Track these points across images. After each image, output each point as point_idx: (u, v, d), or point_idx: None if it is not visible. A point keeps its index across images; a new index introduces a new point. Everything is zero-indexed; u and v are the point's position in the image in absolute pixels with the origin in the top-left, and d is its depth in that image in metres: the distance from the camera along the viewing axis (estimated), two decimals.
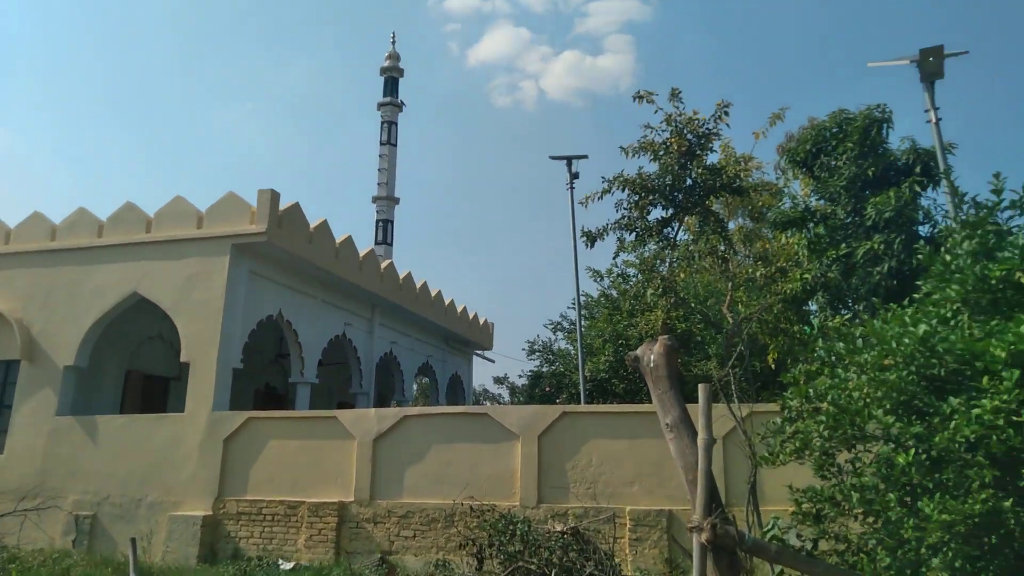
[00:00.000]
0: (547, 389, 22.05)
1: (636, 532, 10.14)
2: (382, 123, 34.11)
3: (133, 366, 15.96)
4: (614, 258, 11.94)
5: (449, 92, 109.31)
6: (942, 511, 3.36)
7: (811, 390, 4.23)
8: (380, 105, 34.49)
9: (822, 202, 11.97)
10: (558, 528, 7.79)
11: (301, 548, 11.39)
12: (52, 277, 14.22)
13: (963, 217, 4.55)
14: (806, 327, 15.15)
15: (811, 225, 12.22)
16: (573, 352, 22.63)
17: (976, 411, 3.40)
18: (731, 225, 17.57)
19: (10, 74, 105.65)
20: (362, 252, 17.79)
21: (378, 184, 32.82)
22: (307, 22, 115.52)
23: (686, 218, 11.86)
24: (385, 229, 32.58)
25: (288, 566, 10.71)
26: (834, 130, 12.09)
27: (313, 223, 15.17)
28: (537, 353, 24.92)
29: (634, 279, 17.27)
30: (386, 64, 34.69)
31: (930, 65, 8.65)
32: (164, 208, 14.10)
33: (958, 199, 4.86)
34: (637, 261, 15.18)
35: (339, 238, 16.40)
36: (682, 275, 14.47)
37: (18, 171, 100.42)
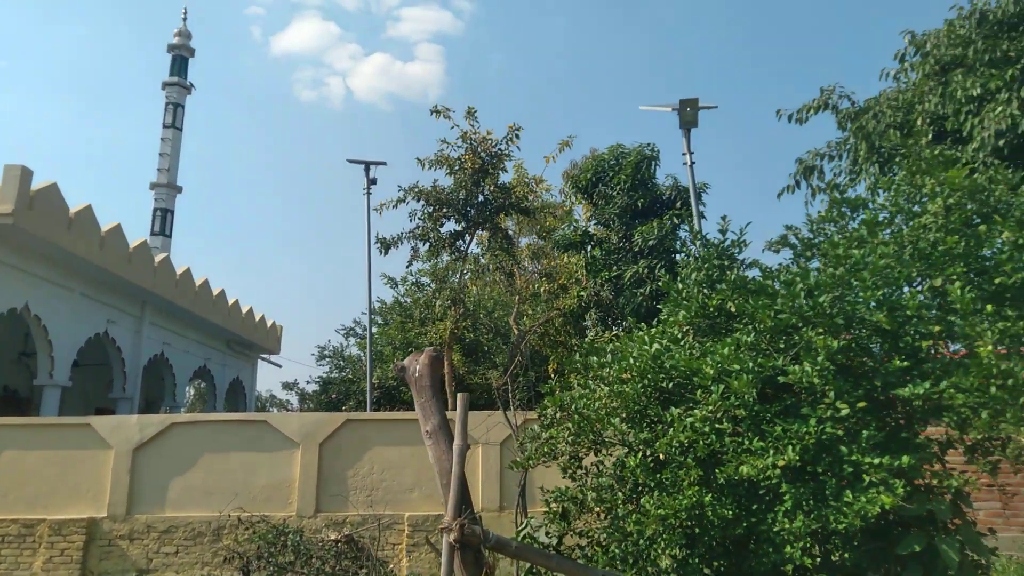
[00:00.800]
0: (333, 396, 21.61)
1: (413, 537, 10.32)
2: (167, 104, 31.20)
3: None
4: (407, 267, 12.12)
5: (248, 79, 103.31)
6: (659, 506, 3.89)
7: (563, 400, 4.69)
8: (165, 84, 31.52)
9: (600, 227, 13.07)
10: (332, 537, 7.72)
11: (38, 572, 10.13)
12: None
13: (695, 252, 5.30)
14: (582, 340, 16.46)
15: (589, 248, 13.28)
16: (364, 359, 22.42)
17: (689, 419, 3.99)
18: (523, 241, 18.58)
19: None
20: (133, 243, 16.27)
21: (158, 170, 29.90)
22: None
23: (478, 232, 12.34)
24: (164, 219, 29.82)
25: None
26: (611, 162, 13.29)
27: (74, 208, 13.62)
28: (327, 359, 24.35)
29: (427, 288, 17.58)
30: (175, 41, 31.80)
31: (687, 115, 9.88)
32: None
33: (693, 235, 5.62)
34: (430, 271, 15.48)
35: (106, 226, 14.88)
36: (473, 288, 15.01)
37: None
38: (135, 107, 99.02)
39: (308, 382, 27.30)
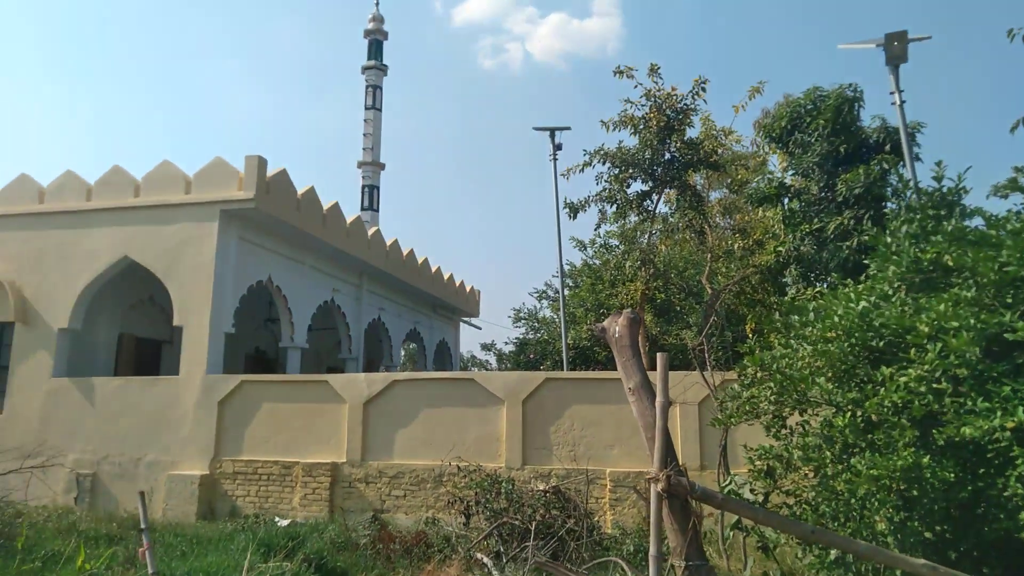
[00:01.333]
0: (531, 356, 22.58)
1: (616, 492, 10.72)
2: (367, 87, 33.88)
3: (125, 329, 16.26)
4: (595, 229, 12.38)
5: (433, 53, 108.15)
6: (871, 467, 3.84)
7: (764, 359, 4.70)
8: (364, 69, 34.18)
9: (797, 177, 12.38)
10: (540, 487, 8.30)
11: (296, 506, 11.91)
12: (42, 240, 14.40)
13: (907, 202, 4.98)
14: (782, 298, 15.73)
15: (786, 200, 12.65)
16: (557, 320, 23.11)
17: (903, 379, 3.86)
18: (713, 196, 18.01)
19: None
20: (349, 219, 18.06)
21: (363, 149, 32.72)
22: None
23: (666, 191, 12.23)
24: (371, 195, 32.65)
25: (284, 523, 11.20)
26: (808, 107, 12.44)
27: (300, 190, 15.40)
28: (523, 320, 25.39)
29: (616, 250, 17.67)
30: (370, 27, 34.30)
31: (895, 49, 8.98)
32: (152, 172, 14.26)
33: (904, 182, 5.28)
34: (618, 232, 15.57)
35: (326, 204, 16.65)
36: (663, 247, 14.90)
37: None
38: (338, 89, 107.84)
39: (505, 343, 28.69)
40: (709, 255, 15.73)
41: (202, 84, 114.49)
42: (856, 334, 4.20)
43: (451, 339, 27.48)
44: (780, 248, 12.74)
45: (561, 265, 13.76)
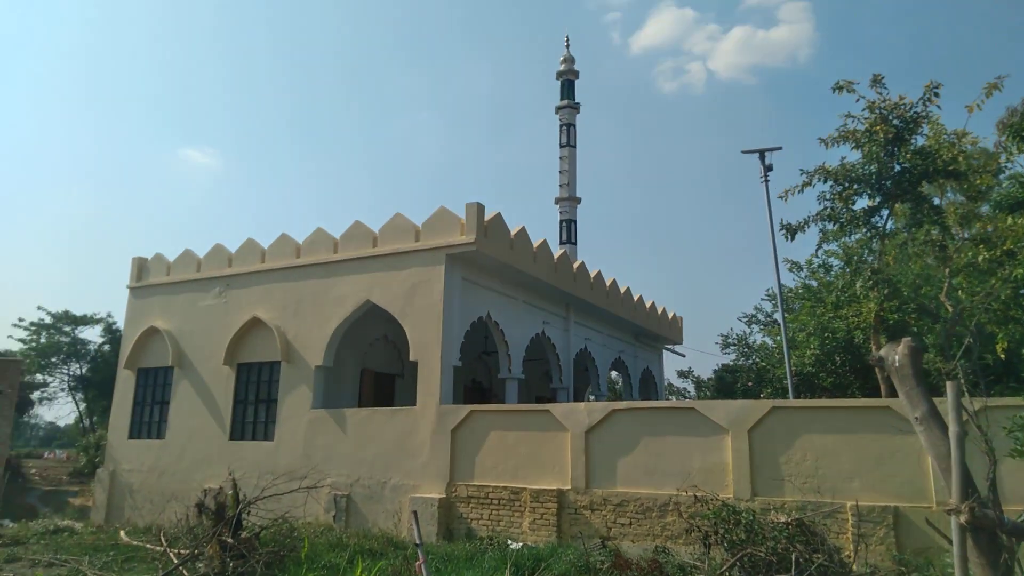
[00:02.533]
0: (748, 384, 21.79)
1: (860, 528, 10.06)
2: (561, 126, 35.16)
3: (366, 365, 18.14)
4: (817, 249, 11.80)
5: (614, 83, 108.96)
6: None
7: None
8: (558, 108, 35.58)
9: None
10: (782, 519, 8.07)
11: (526, 530, 12.50)
12: (300, 289, 16.59)
13: None
14: None
15: None
16: (772, 346, 22.14)
17: None
18: (937, 202, 16.38)
19: (213, 95, 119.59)
20: (556, 254, 18.79)
21: (560, 186, 33.91)
22: (466, 28, 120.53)
23: (896, 205, 11.45)
24: (569, 229, 33.63)
25: (517, 546, 11.80)
26: None
27: (513, 230, 16.35)
28: (731, 347, 24.61)
29: (836, 270, 16.66)
30: (562, 68, 35.73)
31: None
32: (386, 224, 15.92)
33: None
34: (840, 251, 14.72)
35: (536, 242, 17.50)
36: (890, 262, 13.85)
37: (223, 187, 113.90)
38: (526, 129, 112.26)
39: (714, 370, 27.85)
40: (947, 270, 14.35)
41: (405, 136, 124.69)
42: None
43: (655, 367, 27.30)
44: None
45: (780, 288, 13.24)
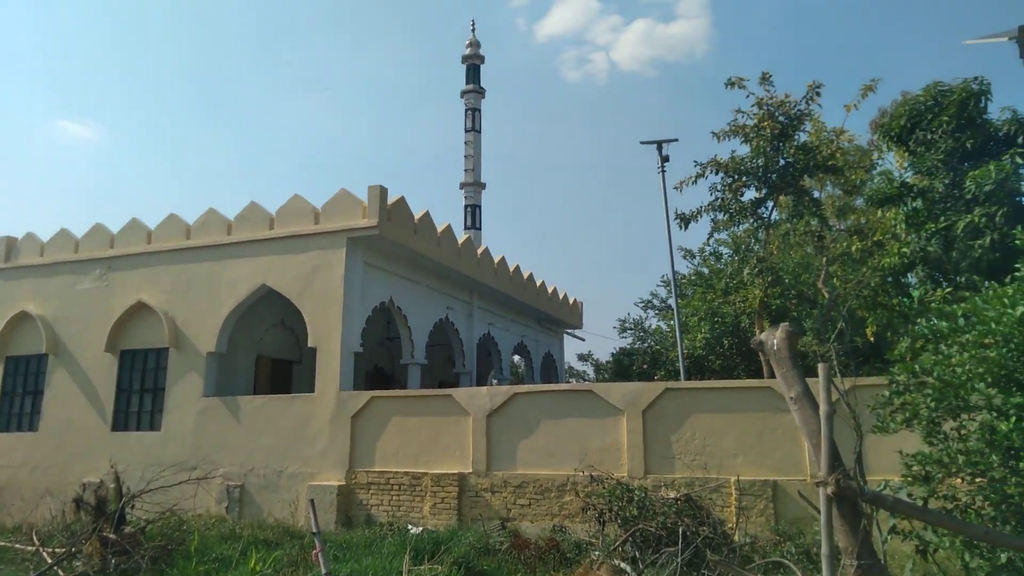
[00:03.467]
0: (644, 366, 22.60)
1: (742, 501, 10.67)
2: (466, 110, 35.04)
3: (261, 351, 17.53)
4: (708, 239, 12.39)
5: (519, 69, 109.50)
6: None
7: (917, 366, 4.77)
8: (463, 93, 35.41)
9: (920, 176, 12.01)
10: (672, 495, 8.47)
11: (426, 515, 12.51)
12: (190, 272, 15.80)
13: None
14: (905, 299, 15.16)
15: (908, 200, 12.29)
16: (667, 330, 23.03)
17: None
18: (817, 195, 17.49)
19: (96, 67, 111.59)
20: (460, 239, 18.77)
21: (465, 171, 33.84)
22: (373, 9, 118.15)
23: (779, 197, 12.14)
24: (474, 214, 33.66)
25: (417, 531, 11.80)
26: (930, 103, 12.08)
27: (417, 214, 16.19)
28: (629, 331, 25.42)
29: (727, 258, 17.48)
30: (467, 52, 35.51)
31: None
32: (284, 206, 15.40)
33: None
34: (729, 240, 15.47)
35: (440, 227, 17.40)
36: (774, 251, 14.70)
37: (105, 164, 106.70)
38: (427, 113, 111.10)
39: (612, 353, 28.70)
40: (824, 259, 15.39)
41: (298, 117, 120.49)
42: (1016, 339, 4.23)
43: (556, 351, 27.83)
44: (904, 249, 12.37)
45: (673, 275, 13.82)
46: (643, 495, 8.43)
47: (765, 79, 11.39)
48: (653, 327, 25.15)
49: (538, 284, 24.11)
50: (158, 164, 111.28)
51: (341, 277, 14.35)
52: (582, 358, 31.65)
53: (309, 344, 14.45)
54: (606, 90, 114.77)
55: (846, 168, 12.17)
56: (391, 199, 15.09)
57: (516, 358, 28.34)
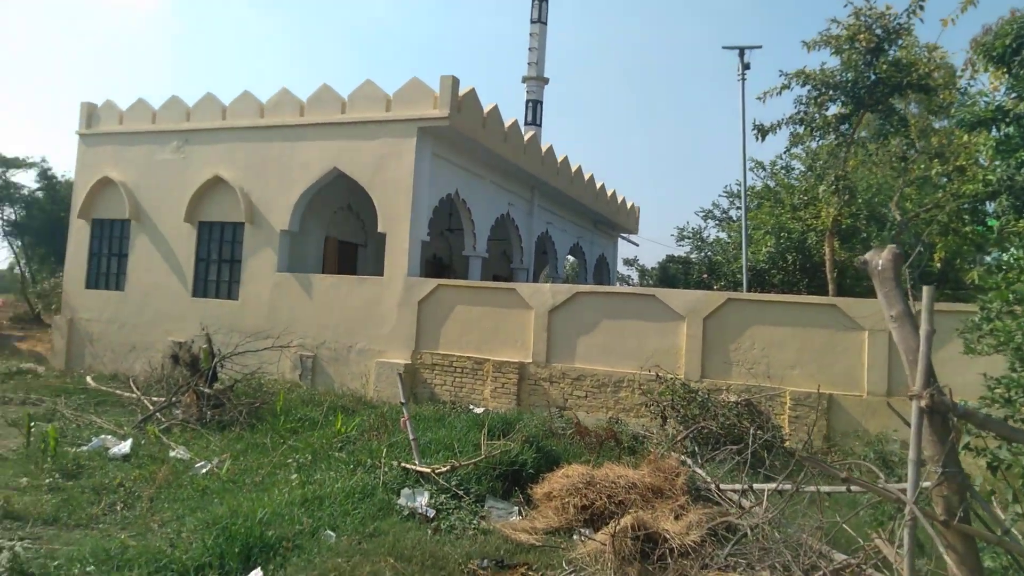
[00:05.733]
0: (703, 276, 22.75)
1: (796, 411, 11.11)
2: (533, 0, 33.81)
3: (330, 233, 18.15)
4: (784, 152, 12.19)
5: None
6: None
7: (1012, 294, 4.94)
8: None
9: (1017, 101, 11.50)
10: (732, 398, 8.89)
11: (487, 397, 13.29)
12: (264, 151, 16.19)
13: None
14: (979, 227, 14.87)
15: (1000, 125, 11.84)
16: (728, 240, 22.96)
17: None
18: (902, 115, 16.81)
19: None
20: (526, 136, 18.71)
21: (528, 64, 32.94)
22: None
23: (865, 115, 11.80)
24: (535, 110, 33.03)
25: (479, 410, 12.62)
26: None
27: (486, 107, 16.15)
28: (687, 239, 25.40)
29: (799, 173, 17.15)
30: None
31: None
32: (356, 91, 15.47)
33: None
34: (804, 155, 15.17)
35: (507, 122, 17.35)
36: (850, 169, 14.43)
37: (167, 40, 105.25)
38: (492, 3, 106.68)
39: (663, 260, 28.77)
40: (901, 180, 15.05)
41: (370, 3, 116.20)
42: None
43: (610, 254, 28.07)
44: (990, 176, 12.05)
45: (744, 188, 13.69)
46: (705, 396, 8.87)
47: None
48: (712, 237, 25.07)
49: (598, 186, 24.03)
50: (224, 39, 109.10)
51: (411, 166, 14.60)
52: (627, 263, 31.90)
53: (379, 230, 14.91)
54: None
55: (939, 88, 11.71)
56: (463, 90, 15.04)
57: (570, 258, 28.67)
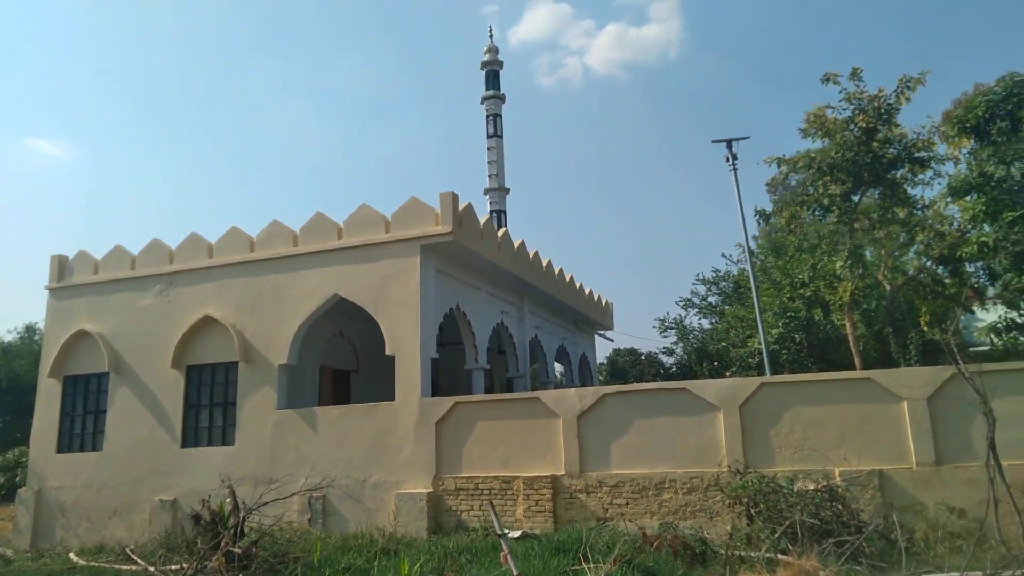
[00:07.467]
0: (714, 363, 22.73)
1: (850, 491, 10.76)
2: (487, 116, 35.21)
3: (324, 361, 17.51)
4: (787, 232, 12.52)
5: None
6: None
7: None
8: (484, 99, 35.61)
9: (1001, 166, 12.21)
10: (810, 487, 8.54)
11: (520, 518, 12.53)
12: (258, 285, 15.73)
13: None
14: (962, 287, 15.28)
15: (987, 190, 12.49)
16: (710, 328, 23.15)
17: None
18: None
19: (70, 84, 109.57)
20: (515, 244, 18.82)
21: (489, 176, 33.98)
22: (350, 17, 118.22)
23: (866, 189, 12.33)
24: (499, 219, 33.73)
25: (516, 534, 11.83)
26: (1004, 94, 12.30)
27: (482, 220, 16.24)
28: (670, 329, 25.53)
29: (795, 252, 17.67)
30: (486, 58, 35.73)
31: None
32: (352, 216, 15.36)
33: None
34: (799, 234, 15.61)
35: (499, 232, 17.45)
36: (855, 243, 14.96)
37: (74, 186, 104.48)
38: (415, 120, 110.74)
39: (661, 351, 28.82)
40: (883, 251, 15.58)
41: (284, 128, 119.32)
42: None
43: (589, 353, 27.89)
44: (984, 239, 12.56)
45: (752, 268, 13.95)
46: (790, 488, 8.50)
47: (855, 75, 11.57)
48: (695, 325, 25.33)
49: (577, 286, 24.19)
50: (133, 182, 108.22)
51: (417, 284, 14.36)
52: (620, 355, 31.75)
53: (387, 352, 14.43)
54: (581, 95, 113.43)
55: (932, 160, 12.38)
56: (461, 205, 15.11)
57: (557, 365, 28.39)
